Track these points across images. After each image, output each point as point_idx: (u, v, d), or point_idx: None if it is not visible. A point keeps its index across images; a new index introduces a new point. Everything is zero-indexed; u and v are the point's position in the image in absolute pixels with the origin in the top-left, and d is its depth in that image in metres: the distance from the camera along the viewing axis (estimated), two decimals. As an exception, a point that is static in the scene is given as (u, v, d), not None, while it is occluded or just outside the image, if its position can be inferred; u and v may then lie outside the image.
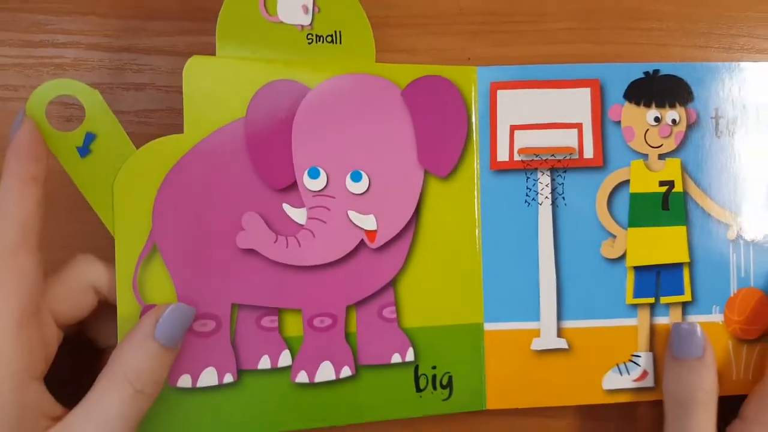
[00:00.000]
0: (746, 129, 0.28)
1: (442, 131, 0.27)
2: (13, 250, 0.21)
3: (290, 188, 0.26)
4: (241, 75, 0.25)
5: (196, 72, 0.25)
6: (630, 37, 0.29)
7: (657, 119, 0.28)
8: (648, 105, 0.28)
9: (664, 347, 0.28)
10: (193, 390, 0.24)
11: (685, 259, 0.28)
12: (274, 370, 0.25)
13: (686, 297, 0.28)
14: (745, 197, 0.28)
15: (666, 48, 0.29)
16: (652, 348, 0.28)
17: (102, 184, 0.24)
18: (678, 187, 0.28)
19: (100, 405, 0.21)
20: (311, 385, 0.25)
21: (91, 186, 0.24)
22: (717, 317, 0.28)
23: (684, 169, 0.28)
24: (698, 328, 0.26)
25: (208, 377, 0.24)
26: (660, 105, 0.28)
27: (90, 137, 0.24)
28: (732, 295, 0.28)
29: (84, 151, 0.24)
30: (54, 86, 0.24)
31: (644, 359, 0.28)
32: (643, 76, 0.28)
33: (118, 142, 0.24)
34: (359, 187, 0.26)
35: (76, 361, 0.25)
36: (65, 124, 0.24)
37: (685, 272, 0.28)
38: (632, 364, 0.28)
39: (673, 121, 0.28)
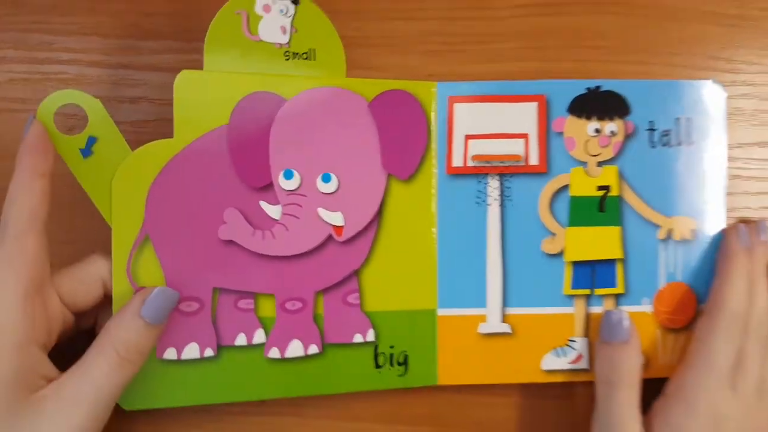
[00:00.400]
0: (678, 140, 0.32)
1: (404, 139, 0.31)
2: (23, 233, 0.25)
3: (267, 188, 0.29)
4: (225, 87, 0.29)
5: (186, 84, 0.29)
6: (574, 55, 0.32)
7: (597, 130, 0.31)
8: (588, 118, 0.31)
9: (598, 334, 0.31)
10: (178, 362, 0.28)
11: (619, 255, 0.31)
12: (250, 346, 0.29)
13: (619, 289, 0.31)
14: (675, 202, 0.32)
15: (608, 64, 0.33)
16: (587, 334, 0.31)
17: (102, 181, 0.28)
18: (614, 192, 0.31)
19: (90, 370, 0.25)
20: (282, 360, 0.29)
21: (92, 183, 0.28)
22: (647, 308, 0.32)
23: (620, 175, 0.31)
24: (625, 316, 0.30)
25: (191, 351, 0.28)
26: (600, 118, 0.31)
27: (92, 140, 0.28)
28: (660, 288, 0.32)
29: (86, 152, 0.28)
30: (61, 96, 0.27)
31: (579, 344, 0.31)
32: (585, 91, 0.31)
33: (116, 144, 0.28)
34: (329, 187, 0.30)
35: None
36: (69, 131, 0.28)
37: (618, 267, 0.31)
38: (569, 348, 0.31)
39: (612, 132, 0.31)
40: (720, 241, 0.31)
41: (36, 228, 0.25)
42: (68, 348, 0.27)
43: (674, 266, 0.32)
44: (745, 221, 0.31)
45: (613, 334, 0.30)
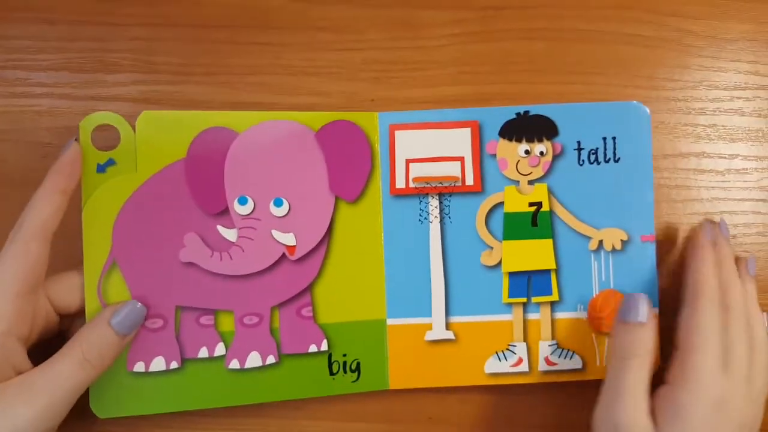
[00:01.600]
0: (605, 158, 0.35)
1: (350, 165, 0.34)
2: (30, 238, 0.28)
3: (223, 213, 0.33)
4: (182, 124, 0.32)
5: (146, 123, 0.32)
6: (504, 78, 0.36)
7: (527, 152, 0.34)
8: (519, 140, 0.34)
9: (537, 339, 0.35)
10: (146, 374, 0.32)
11: (552, 266, 0.34)
12: (211, 358, 0.32)
13: (554, 297, 0.35)
14: (604, 214, 0.35)
15: (536, 86, 0.36)
16: (525, 339, 0.35)
17: (97, 198, 0.32)
18: (545, 207, 0.34)
19: (55, 366, 0.28)
20: (242, 371, 0.33)
21: (88, 195, 0.31)
22: (581, 314, 0.35)
23: (551, 192, 0.35)
24: (645, 299, 0.31)
25: (158, 364, 0.32)
26: (529, 140, 0.34)
27: (110, 161, 0.32)
28: (594, 296, 0.35)
29: (101, 169, 0.32)
30: (104, 117, 0.32)
31: (519, 348, 0.35)
32: (515, 116, 0.34)
33: (128, 175, 0.32)
34: (281, 211, 0.33)
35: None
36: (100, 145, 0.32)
37: (553, 277, 0.35)
38: (509, 352, 0.35)
39: (541, 152, 0.34)
40: (688, 238, 0.34)
41: (43, 236, 0.29)
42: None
43: (606, 275, 0.35)
44: (709, 220, 0.34)
45: (631, 314, 0.31)
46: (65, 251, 0.30)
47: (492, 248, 0.34)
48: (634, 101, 0.35)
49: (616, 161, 0.35)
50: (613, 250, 0.35)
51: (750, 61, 0.37)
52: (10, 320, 0.27)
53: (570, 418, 0.36)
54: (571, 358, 0.34)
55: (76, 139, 0.31)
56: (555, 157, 0.35)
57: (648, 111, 0.35)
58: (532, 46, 0.36)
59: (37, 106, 0.35)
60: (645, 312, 0.31)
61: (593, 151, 0.35)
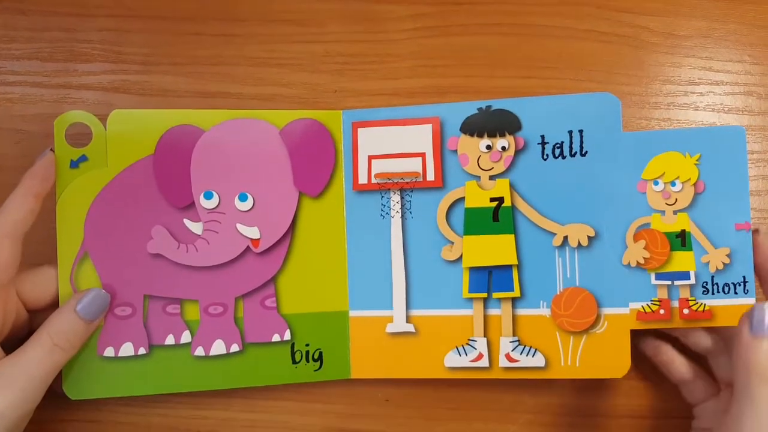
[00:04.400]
0: (571, 152, 0.36)
1: (314, 161, 0.36)
2: (2, 237, 0.31)
3: (189, 207, 0.35)
4: (151, 122, 0.35)
5: (117, 121, 0.35)
6: (462, 72, 0.37)
7: (488, 147, 0.36)
8: (480, 135, 0.36)
9: (498, 335, 0.36)
10: (116, 358, 0.35)
11: (513, 261, 0.36)
12: (178, 345, 0.36)
13: (515, 293, 0.36)
14: (568, 210, 0.36)
15: (493, 80, 0.37)
16: (486, 334, 0.37)
17: (71, 192, 0.34)
18: (507, 203, 0.36)
19: (25, 354, 0.30)
20: (207, 358, 0.36)
21: (61, 189, 0.34)
22: (544, 311, 0.36)
23: (513, 187, 0.36)
24: None
25: (127, 349, 0.35)
26: (491, 135, 0.36)
27: (83, 158, 0.34)
28: (558, 292, 0.36)
29: (74, 164, 0.34)
30: (78, 115, 0.34)
31: (479, 344, 0.37)
32: (476, 111, 0.36)
33: (99, 171, 0.35)
34: (246, 205, 0.36)
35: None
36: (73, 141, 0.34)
37: (515, 272, 0.36)
38: (470, 347, 0.37)
39: (503, 147, 0.36)
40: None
41: (15, 235, 0.31)
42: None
43: (572, 271, 0.36)
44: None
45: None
46: (35, 251, 0.33)
47: (453, 243, 0.36)
48: (606, 92, 0.35)
49: (583, 155, 0.36)
50: (579, 246, 0.36)
51: (704, 57, 0.38)
52: None
53: (528, 403, 0.38)
54: (533, 355, 0.36)
55: (51, 149, 0.33)
56: (518, 152, 0.36)
57: (619, 100, 0.35)
58: (490, 40, 0.37)
59: (9, 94, 0.38)
60: None
61: (558, 145, 0.36)
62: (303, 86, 0.38)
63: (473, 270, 0.36)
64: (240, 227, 0.36)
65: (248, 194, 0.36)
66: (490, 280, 0.36)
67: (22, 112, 0.38)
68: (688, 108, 0.38)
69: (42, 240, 0.34)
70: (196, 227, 0.35)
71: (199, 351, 0.36)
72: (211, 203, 0.35)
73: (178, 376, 0.36)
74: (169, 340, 0.36)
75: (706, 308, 0.35)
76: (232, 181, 0.36)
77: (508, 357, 0.36)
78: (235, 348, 0.36)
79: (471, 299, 0.37)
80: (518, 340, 0.36)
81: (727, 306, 0.35)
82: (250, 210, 0.36)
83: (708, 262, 0.35)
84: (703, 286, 0.35)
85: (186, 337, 0.36)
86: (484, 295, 0.36)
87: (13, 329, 0.33)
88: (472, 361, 0.36)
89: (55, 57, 0.38)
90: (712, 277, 0.35)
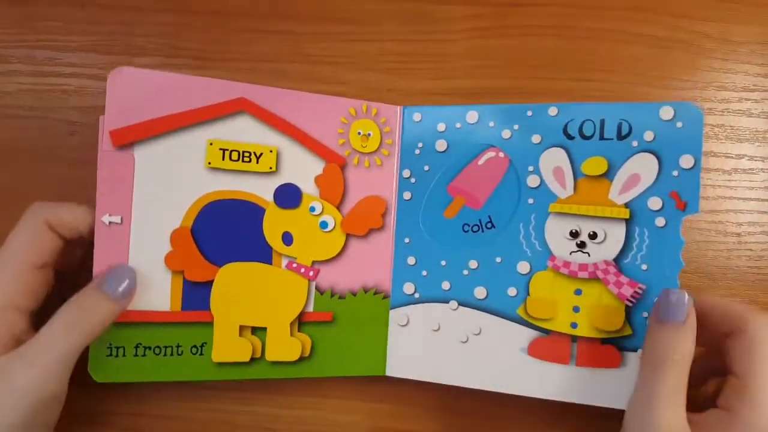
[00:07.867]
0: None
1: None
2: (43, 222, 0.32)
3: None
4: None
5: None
6: (518, 72, 0.40)
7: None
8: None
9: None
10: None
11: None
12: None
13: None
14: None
15: (547, 82, 0.39)
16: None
17: None
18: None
19: (48, 332, 0.30)
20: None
21: None
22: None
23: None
24: (686, 296, 0.31)
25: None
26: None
27: None
28: None
29: None
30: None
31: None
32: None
33: None
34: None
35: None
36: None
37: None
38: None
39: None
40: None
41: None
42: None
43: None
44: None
45: (669, 313, 0.30)
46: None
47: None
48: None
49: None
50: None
51: (759, 63, 0.40)
52: (12, 293, 0.31)
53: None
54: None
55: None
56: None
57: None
58: (545, 42, 0.40)
59: (65, 86, 0.40)
60: (685, 310, 0.30)
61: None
62: (357, 85, 0.40)
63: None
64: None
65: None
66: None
67: (77, 104, 0.40)
68: (742, 114, 0.40)
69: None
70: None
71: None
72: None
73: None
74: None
75: None
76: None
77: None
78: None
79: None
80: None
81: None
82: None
83: None
84: None
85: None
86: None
87: (45, 299, 0.33)
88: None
89: (112, 50, 0.40)
90: None
